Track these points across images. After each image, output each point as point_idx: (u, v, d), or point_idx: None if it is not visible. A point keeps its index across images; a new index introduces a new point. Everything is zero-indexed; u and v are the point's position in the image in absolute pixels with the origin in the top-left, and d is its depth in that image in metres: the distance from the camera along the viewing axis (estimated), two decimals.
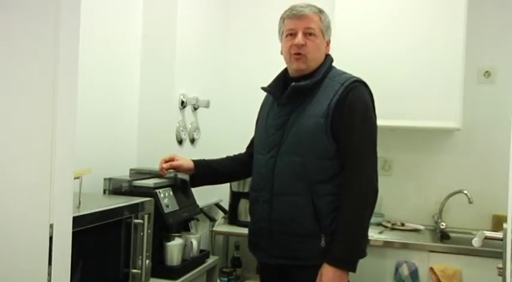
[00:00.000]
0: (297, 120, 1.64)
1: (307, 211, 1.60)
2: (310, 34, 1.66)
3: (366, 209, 1.60)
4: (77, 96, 1.02)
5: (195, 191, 2.09)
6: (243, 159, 1.92)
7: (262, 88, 1.80)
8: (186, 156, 2.45)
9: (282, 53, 1.76)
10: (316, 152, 1.61)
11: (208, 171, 1.90)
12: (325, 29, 1.72)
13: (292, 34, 1.68)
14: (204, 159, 1.93)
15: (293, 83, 1.67)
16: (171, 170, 1.88)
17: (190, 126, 2.44)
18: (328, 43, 1.76)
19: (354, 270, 1.58)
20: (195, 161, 1.89)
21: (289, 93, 1.67)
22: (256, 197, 1.71)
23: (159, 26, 2.26)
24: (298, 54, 1.66)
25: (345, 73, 1.70)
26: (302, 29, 1.66)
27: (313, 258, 1.60)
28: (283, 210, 1.64)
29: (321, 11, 1.72)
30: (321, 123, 1.59)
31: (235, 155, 1.98)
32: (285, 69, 1.80)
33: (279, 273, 1.71)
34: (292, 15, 1.69)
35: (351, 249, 1.57)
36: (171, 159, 1.86)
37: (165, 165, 1.84)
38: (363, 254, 1.65)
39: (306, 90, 1.66)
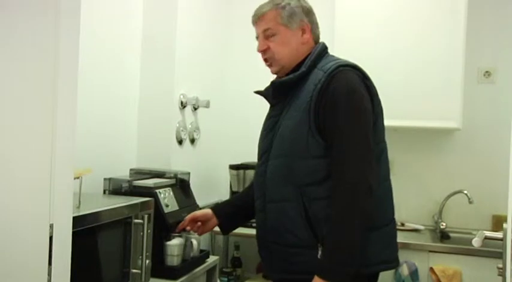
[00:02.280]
0: (283, 120, 1.49)
1: (299, 218, 1.42)
2: (272, 35, 1.53)
3: (355, 207, 1.34)
4: (77, 96, 1.02)
5: (195, 190, 2.09)
6: None
7: (255, 92, 1.66)
8: (186, 157, 2.45)
9: None
10: (300, 151, 1.42)
11: (232, 211, 1.74)
12: (288, 19, 1.52)
13: (258, 39, 1.58)
14: (223, 201, 1.82)
15: (272, 80, 1.55)
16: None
17: (190, 126, 2.44)
18: (303, 30, 1.54)
19: None
20: (213, 209, 1.75)
21: (273, 92, 1.55)
22: (256, 206, 1.58)
23: (159, 26, 2.26)
24: (266, 59, 1.55)
25: (337, 59, 1.50)
26: (261, 33, 1.55)
27: (310, 271, 1.37)
28: (275, 219, 1.48)
29: (277, 3, 1.54)
30: (303, 119, 1.42)
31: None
32: None
33: None
34: (252, 20, 1.58)
35: (340, 257, 1.33)
36: (193, 220, 1.73)
37: (188, 228, 1.74)
38: (366, 264, 1.40)
39: (289, 86, 1.50)
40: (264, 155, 1.54)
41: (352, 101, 1.40)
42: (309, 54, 1.53)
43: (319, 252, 1.39)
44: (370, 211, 1.38)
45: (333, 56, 1.55)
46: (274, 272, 1.54)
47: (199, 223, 1.73)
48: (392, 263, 1.49)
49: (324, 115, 1.40)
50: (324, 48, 1.56)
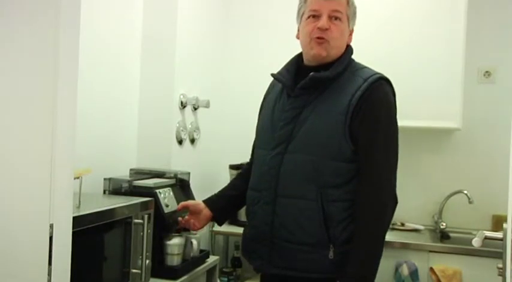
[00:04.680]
0: (311, 115, 1.47)
1: (316, 218, 1.43)
2: (336, 18, 1.48)
3: (384, 221, 1.44)
4: (77, 97, 1.02)
5: (195, 190, 2.09)
6: (250, 169, 1.69)
7: (273, 75, 1.61)
8: (186, 157, 2.44)
9: (297, 37, 1.57)
10: (330, 152, 1.44)
11: (224, 204, 1.73)
12: (352, 16, 1.54)
13: (316, 16, 1.49)
14: (214, 194, 1.76)
15: (312, 73, 1.49)
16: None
17: (190, 126, 2.44)
18: (351, 32, 1.58)
19: None
20: (206, 202, 1.72)
21: (306, 83, 1.49)
22: (257, 197, 1.54)
23: (159, 26, 2.26)
24: (321, 38, 1.48)
25: (366, 67, 1.55)
26: (328, 12, 1.48)
27: (319, 270, 1.44)
28: (289, 215, 1.47)
29: None
30: (338, 121, 1.43)
31: (242, 170, 1.83)
32: (298, 56, 1.61)
33: None
34: None
35: (366, 265, 1.41)
36: (185, 207, 1.71)
37: (183, 221, 1.71)
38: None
39: (325, 82, 1.49)
40: (279, 146, 1.50)
41: (391, 116, 1.50)
42: (342, 54, 1.54)
43: (331, 252, 1.43)
44: (391, 221, 1.51)
45: (355, 60, 1.59)
46: (274, 268, 1.51)
47: (186, 217, 1.70)
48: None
49: (360, 123, 1.44)
50: (352, 53, 1.58)
